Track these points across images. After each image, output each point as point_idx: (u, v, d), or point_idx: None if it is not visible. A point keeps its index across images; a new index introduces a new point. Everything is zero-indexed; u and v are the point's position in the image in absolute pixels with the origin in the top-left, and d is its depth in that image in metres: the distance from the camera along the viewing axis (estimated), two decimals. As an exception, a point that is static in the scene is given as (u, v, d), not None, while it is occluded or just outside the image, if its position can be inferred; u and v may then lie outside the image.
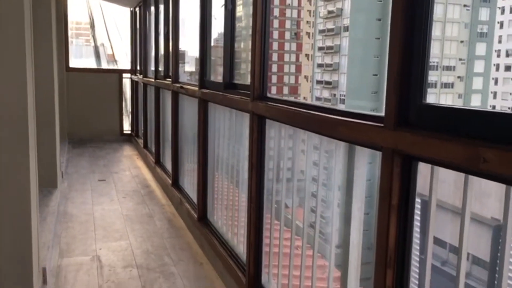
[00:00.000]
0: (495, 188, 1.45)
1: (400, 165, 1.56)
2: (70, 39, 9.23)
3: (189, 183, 4.83)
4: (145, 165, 7.20)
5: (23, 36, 2.50)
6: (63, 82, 7.84)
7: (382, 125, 1.61)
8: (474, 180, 1.45)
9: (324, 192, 2.33)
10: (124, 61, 9.78)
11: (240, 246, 3.34)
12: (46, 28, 4.83)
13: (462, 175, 1.46)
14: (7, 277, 2.61)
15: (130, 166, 7.25)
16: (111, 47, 10.14)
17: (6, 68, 2.49)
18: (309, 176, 2.42)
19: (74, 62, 9.15)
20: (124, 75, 9.34)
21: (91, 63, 9.94)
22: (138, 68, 8.55)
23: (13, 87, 2.51)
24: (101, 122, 9.07)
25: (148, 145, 7.50)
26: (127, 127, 9.49)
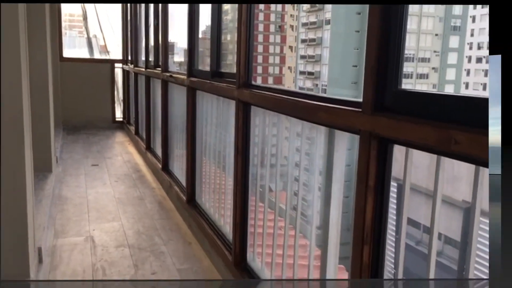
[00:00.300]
0: (466, 172, 1.47)
1: (376, 148, 1.57)
2: (63, 31, 9.13)
3: (178, 168, 4.82)
4: (136, 151, 7.17)
5: (17, 28, 2.47)
6: (57, 71, 7.75)
7: (360, 110, 1.62)
8: (446, 163, 1.47)
9: (306, 176, 2.34)
10: (116, 52, 9.69)
11: (227, 226, 3.34)
12: (40, 20, 4.76)
13: (435, 160, 1.48)
14: (5, 257, 2.59)
15: (122, 151, 7.21)
16: (104, 38, 10.04)
17: (2, 58, 2.46)
18: (292, 161, 2.42)
19: (67, 53, 9.06)
20: (116, 65, 9.28)
21: (84, 54, 9.83)
22: (129, 58, 8.48)
23: (8, 76, 2.48)
24: (94, 110, 9.00)
25: (139, 132, 7.46)
26: (119, 114, 9.42)
